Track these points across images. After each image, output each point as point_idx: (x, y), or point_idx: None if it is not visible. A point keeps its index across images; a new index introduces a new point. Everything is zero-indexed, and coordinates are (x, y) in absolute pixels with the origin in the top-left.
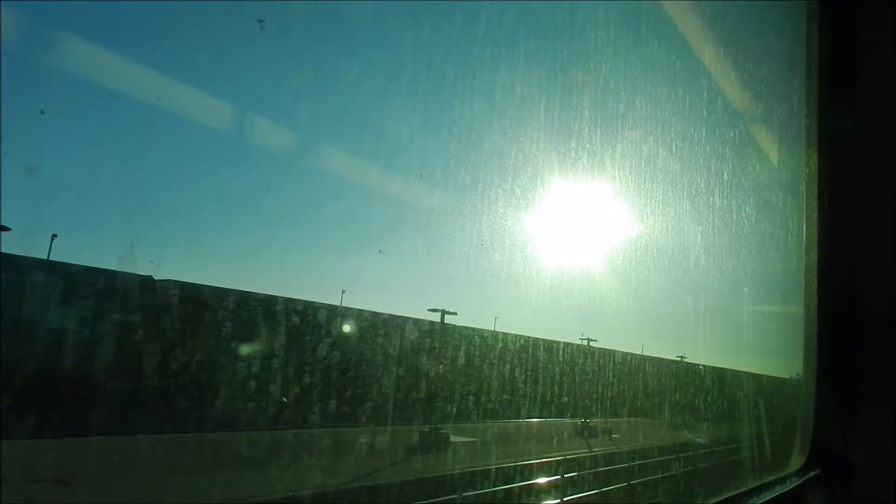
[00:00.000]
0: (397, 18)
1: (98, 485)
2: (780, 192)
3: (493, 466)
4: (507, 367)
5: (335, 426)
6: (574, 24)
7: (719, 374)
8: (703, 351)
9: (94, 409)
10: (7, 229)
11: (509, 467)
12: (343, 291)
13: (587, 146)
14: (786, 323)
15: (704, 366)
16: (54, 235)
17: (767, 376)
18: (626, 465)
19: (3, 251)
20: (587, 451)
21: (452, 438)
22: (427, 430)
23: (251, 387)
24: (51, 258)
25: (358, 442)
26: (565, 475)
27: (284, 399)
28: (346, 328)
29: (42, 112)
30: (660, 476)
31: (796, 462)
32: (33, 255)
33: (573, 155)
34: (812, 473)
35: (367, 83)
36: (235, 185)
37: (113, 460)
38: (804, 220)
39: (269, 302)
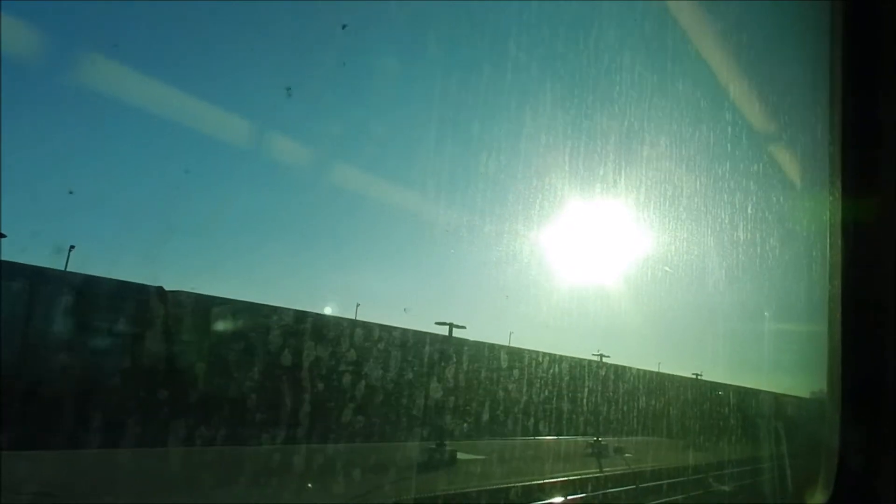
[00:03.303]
0: (420, 50)
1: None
2: (804, 218)
3: (496, 486)
4: (520, 382)
5: (337, 441)
6: (599, 67)
7: (736, 392)
8: (721, 369)
9: (89, 421)
10: (3, 236)
11: (513, 487)
12: (358, 305)
13: (614, 176)
14: (807, 344)
15: (721, 384)
16: (72, 247)
17: (787, 395)
18: (635, 486)
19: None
20: (598, 471)
21: (459, 456)
22: (433, 446)
23: (257, 401)
24: (68, 269)
25: (358, 459)
26: (569, 497)
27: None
28: (357, 343)
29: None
30: (674, 501)
31: (819, 497)
32: (54, 267)
33: (602, 187)
34: None
35: (391, 107)
36: (254, 200)
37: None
38: (828, 248)
39: (281, 314)
